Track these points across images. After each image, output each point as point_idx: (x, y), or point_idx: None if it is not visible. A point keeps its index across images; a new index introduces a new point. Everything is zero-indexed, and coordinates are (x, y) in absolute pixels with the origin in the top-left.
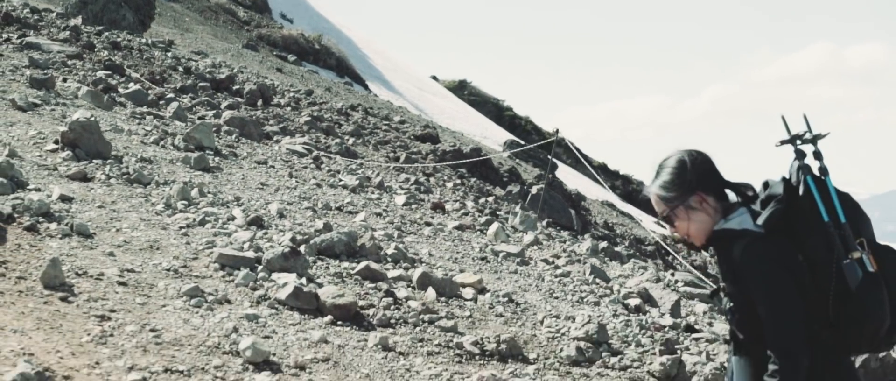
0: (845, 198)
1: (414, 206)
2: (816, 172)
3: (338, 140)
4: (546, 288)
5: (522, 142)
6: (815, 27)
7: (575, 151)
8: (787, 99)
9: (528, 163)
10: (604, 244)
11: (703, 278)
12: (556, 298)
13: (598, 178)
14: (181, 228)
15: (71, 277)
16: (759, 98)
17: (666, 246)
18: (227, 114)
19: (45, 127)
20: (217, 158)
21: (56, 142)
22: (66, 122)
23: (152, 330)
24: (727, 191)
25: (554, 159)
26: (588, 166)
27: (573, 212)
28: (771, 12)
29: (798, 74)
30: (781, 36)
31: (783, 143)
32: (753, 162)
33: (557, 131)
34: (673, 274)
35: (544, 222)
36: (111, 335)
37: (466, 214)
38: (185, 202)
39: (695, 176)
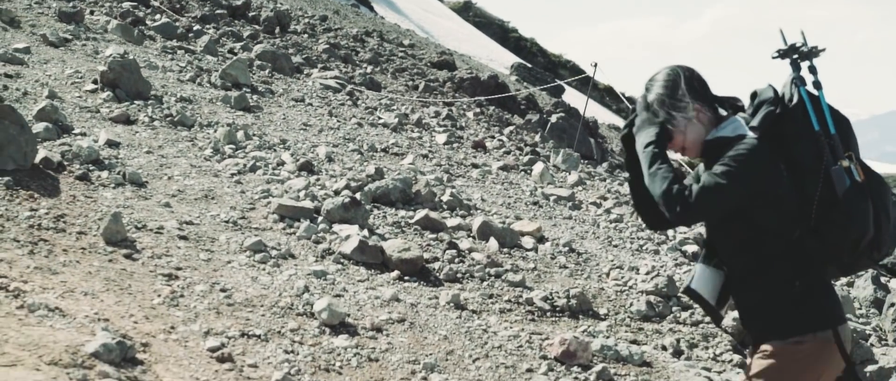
0: (837, 114)
1: (455, 145)
2: (810, 86)
3: (360, 70)
4: (603, 235)
5: (529, 64)
6: None
7: (604, 90)
8: (789, 18)
9: (535, 86)
10: None
11: None
12: (616, 246)
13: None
14: (233, 175)
15: (131, 231)
16: (760, 17)
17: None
18: (257, 48)
19: (79, 65)
20: (255, 97)
21: (94, 81)
22: (104, 59)
23: (223, 290)
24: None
25: (563, 83)
26: (623, 99)
27: (592, 141)
28: None
29: None
30: None
31: (778, 54)
32: (756, 80)
33: (595, 65)
34: None
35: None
36: (181, 296)
37: (508, 153)
38: (233, 146)
39: (689, 88)
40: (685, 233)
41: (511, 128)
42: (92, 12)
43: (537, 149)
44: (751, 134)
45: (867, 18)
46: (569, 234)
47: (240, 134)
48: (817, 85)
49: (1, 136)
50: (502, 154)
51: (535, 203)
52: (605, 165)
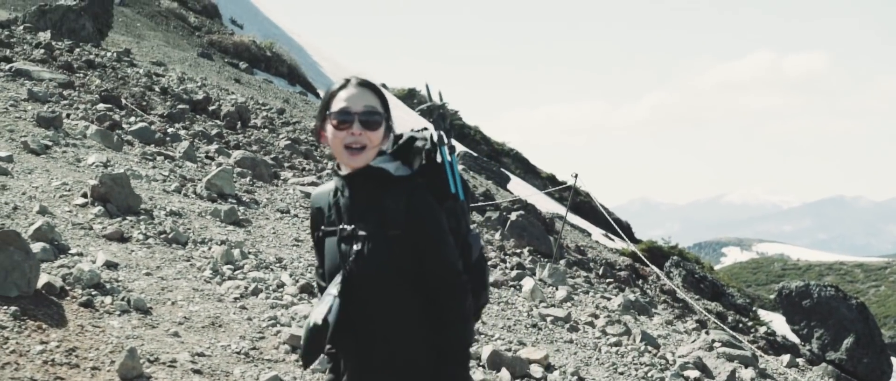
0: (463, 180)
1: None
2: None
3: (323, 166)
4: (607, 361)
5: (474, 153)
6: (757, 35)
7: (589, 199)
8: (725, 106)
9: (482, 175)
10: (632, 298)
11: (736, 336)
12: (621, 374)
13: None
14: (236, 299)
15: (144, 364)
16: (697, 105)
17: (638, 270)
18: (236, 154)
19: (64, 175)
20: (242, 208)
21: (84, 195)
22: (87, 168)
23: None
24: None
25: (505, 171)
26: (602, 212)
27: (552, 238)
28: (713, 19)
29: (737, 82)
30: (723, 43)
31: (424, 111)
32: (690, 167)
33: (576, 176)
34: (708, 332)
35: (526, 250)
36: None
37: (494, 266)
38: (231, 267)
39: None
40: (685, 357)
41: (472, 226)
42: (68, 116)
43: (523, 264)
44: (413, 178)
45: (803, 107)
46: (574, 360)
47: (236, 252)
48: (451, 150)
49: (6, 262)
50: (489, 268)
51: (534, 325)
52: (563, 262)
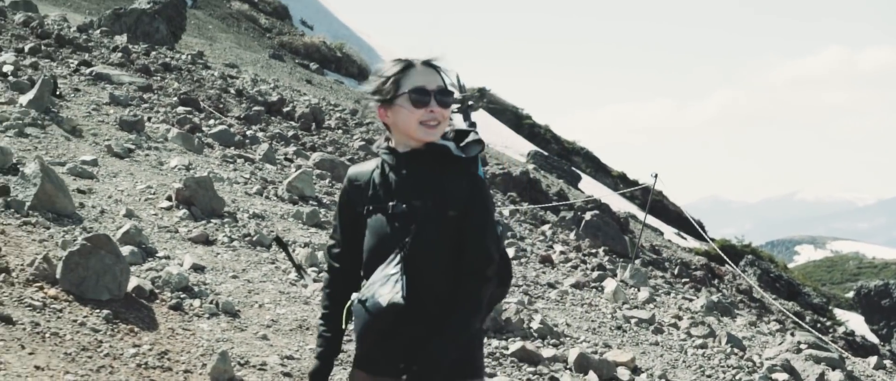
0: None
1: (523, 259)
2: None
3: None
4: (693, 364)
5: (545, 152)
6: (827, 31)
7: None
8: (797, 103)
9: (552, 174)
10: (715, 299)
11: (823, 338)
12: (709, 377)
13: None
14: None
15: (235, 367)
16: (768, 102)
17: (713, 270)
18: (315, 156)
19: (148, 178)
20: (323, 211)
21: (169, 198)
22: (170, 170)
23: None
24: None
25: (576, 170)
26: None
27: (627, 238)
28: (781, 15)
29: (809, 78)
30: (792, 40)
31: (458, 105)
32: (761, 164)
33: (656, 176)
34: (793, 333)
35: (601, 250)
36: None
37: (575, 267)
38: (315, 269)
39: None
40: (773, 360)
41: (547, 225)
42: (149, 119)
43: (604, 265)
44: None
45: (877, 103)
46: (660, 363)
47: (320, 254)
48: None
49: (97, 266)
50: (570, 269)
51: (618, 327)
52: (638, 261)
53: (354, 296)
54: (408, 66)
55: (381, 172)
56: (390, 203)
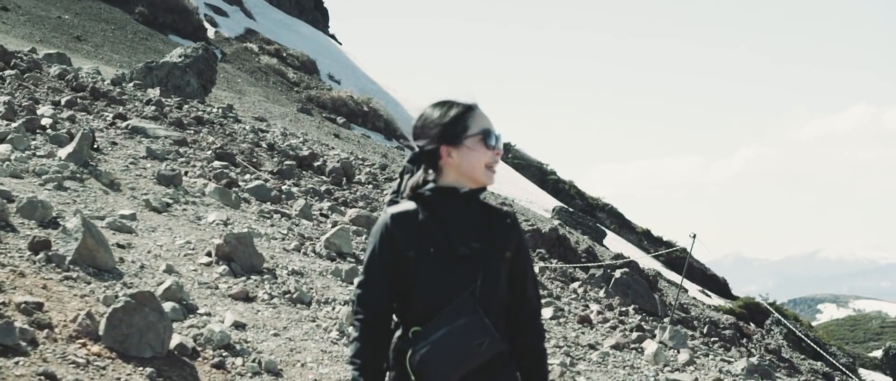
0: None
1: (561, 320)
2: None
3: None
4: None
5: (570, 208)
6: (854, 88)
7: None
8: (822, 160)
9: (577, 230)
10: (754, 361)
11: None
12: None
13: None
14: None
15: None
16: (793, 159)
17: (742, 329)
18: (351, 212)
19: (187, 233)
20: (361, 268)
21: (208, 254)
22: (207, 226)
23: None
24: None
25: (600, 226)
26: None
27: (656, 297)
28: (809, 72)
29: (835, 135)
30: (819, 96)
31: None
32: (785, 222)
33: (694, 237)
34: None
35: (631, 308)
36: None
37: (614, 327)
38: None
39: None
40: None
41: (577, 283)
42: (186, 173)
43: (643, 325)
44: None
45: None
46: None
47: None
48: None
49: (141, 323)
50: (609, 329)
51: None
52: (667, 320)
53: (395, 339)
54: (470, 107)
55: (431, 213)
56: (452, 247)
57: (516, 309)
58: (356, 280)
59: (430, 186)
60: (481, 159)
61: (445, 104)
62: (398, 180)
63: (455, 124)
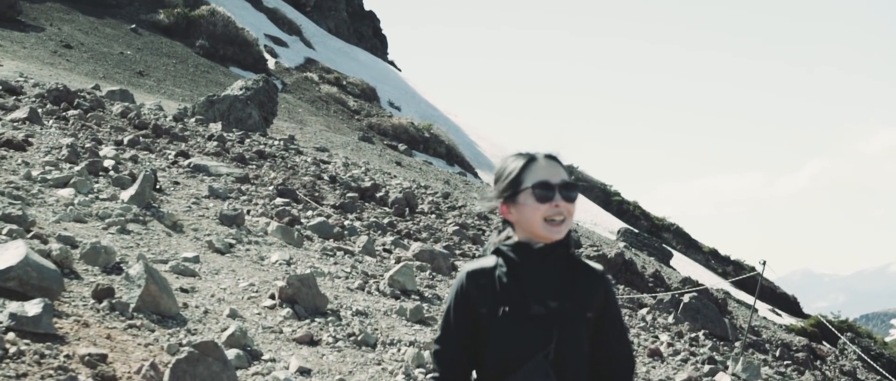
0: None
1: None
2: None
3: None
4: None
5: (635, 229)
6: None
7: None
8: (891, 172)
9: (643, 252)
10: None
11: None
12: None
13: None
14: None
15: None
16: (862, 172)
17: (815, 350)
18: (414, 247)
19: (250, 275)
20: (426, 305)
21: (272, 296)
22: (270, 267)
23: None
24: None
25: (666, 246)
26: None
27: (727, 321)
28: (877, 84)
29: None
30: (888, 109)
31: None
32: (854, 236)
33: (764, 263)
34: None
35: (700, 333)
36: None
37: (685, 360)
38: (423, 371)
39: None
40: None
41: (645, 309)
42: (248, 212)
43: (714, 357)
44: None
45: None
46: None
47: (426, 354)
48: None
49: (204, 373)
50: (680, 362)
51: None
52: (738, 344)
53: None
54: (530, 159)
55: (508, 270)
56: (526, 305)
57: (603, 370)
58: (433, 336)
59: (509, 241)
60: (537, 214)
61: (510, 158)
62: (491, 235)
63: (510, 180)
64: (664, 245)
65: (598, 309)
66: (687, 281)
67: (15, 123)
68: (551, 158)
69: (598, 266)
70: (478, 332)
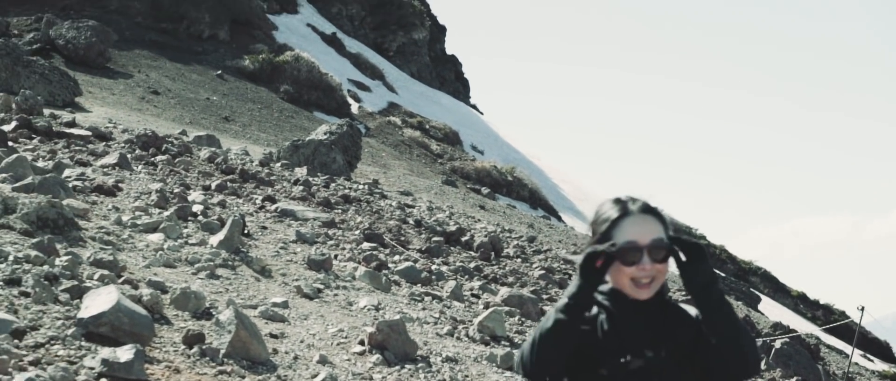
0: None
1: None
2: None
3: None
4: None
5: (722, 273)
6: None
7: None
8: None
9: (731, 296)
10: None
11: None
12: None
13: None
14: None
15: None
16: None
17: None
18: (503, 292)
19: (339, 320)
20: (516, 352)
21: (361, 342)
22: (359, 312)
23: None
24: None
25: (754, 291)
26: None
27: (820, 368)
28: None
29: None
30: None
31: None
32: None
33: (862, 310)
34: None
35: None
36: None
37: None
38: None
39: None
40: None
41: None
42: (336, 257)
43: None
44: None
45: None
46: None
47: None
48: None
49: None
50: None
51: None
52: None
53: None
54: (622, 215)
55: (608, 317)
56: (621, 354)
57: (724, 359)
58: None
59: (605, 288)
60: (623, 275)
61: (605, 206)
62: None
63: (601, 235)
64: (752, 289)
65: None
66: (778, 326)
67: (105, 169)
68: (647, 211)
69: (693, 310)
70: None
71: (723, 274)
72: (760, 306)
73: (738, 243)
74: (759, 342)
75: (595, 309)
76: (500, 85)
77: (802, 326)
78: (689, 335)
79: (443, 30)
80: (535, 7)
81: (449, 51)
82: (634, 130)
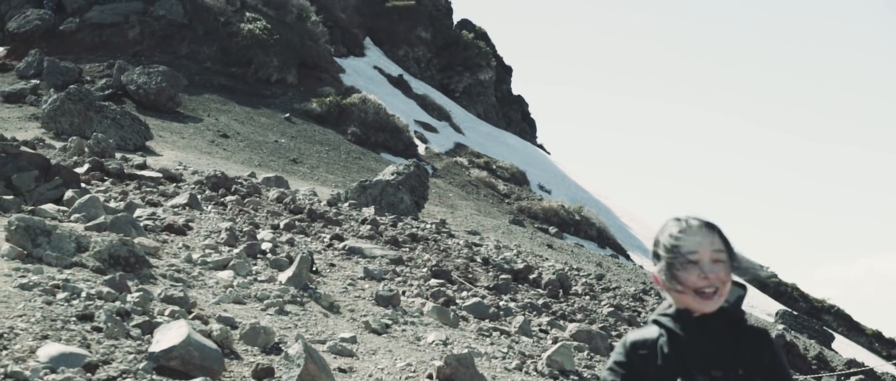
0: None
1: None
2: None
3: None
4: None
5: (793, 311)
6: None
7: None
8: None
9: (804, 334)
10: None
11: None
12: None
13: None
14: None
15: None
16: None
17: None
18: (571, 327)
19: (407, 355)
20: None
21: (429, 377)
22: (427, 347)
23: None
24: None
25: (829, 329)
26: None
27: None
28: None
29: None
30: None
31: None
32: None
33: None
34: None
35: None
36: None
37: None
38: None
39: None
40: None
41: None
42: (404, 293)
43: None
44: None
45: None
46: None
47: None
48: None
49: None
50: None
51: None
52: None
53: None
54: (682, 229)
55: (669, 340)
56: (689, 375)
57: None
58: None
59: (670, 309)
60: (688, 286)
61: (665, 224)
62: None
63: (660, 252)
64: (825, 328)
65: (765, 371)
66: (852, 363)
67: (176, 209)
68: (707, 226)
69: (762, 326)
70: None
71: (795, 312)
72: (834, 344)
73: (809, 282)
74: (834, 377)
75: (656, 333)
76: (566, 116)
77: (877, 364)
78: (766, 360)
79: (509, 70)
80: (604, 40)
81: (515, 91)
82: (709, 176)
